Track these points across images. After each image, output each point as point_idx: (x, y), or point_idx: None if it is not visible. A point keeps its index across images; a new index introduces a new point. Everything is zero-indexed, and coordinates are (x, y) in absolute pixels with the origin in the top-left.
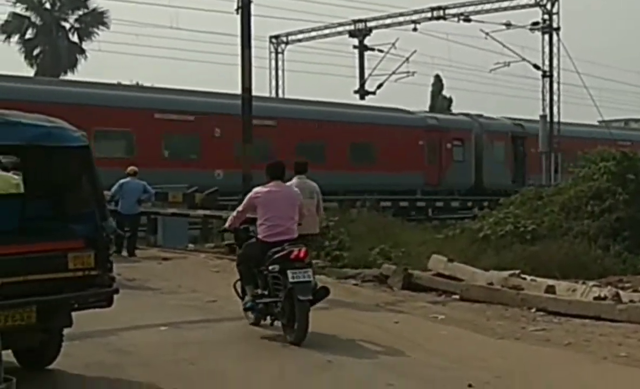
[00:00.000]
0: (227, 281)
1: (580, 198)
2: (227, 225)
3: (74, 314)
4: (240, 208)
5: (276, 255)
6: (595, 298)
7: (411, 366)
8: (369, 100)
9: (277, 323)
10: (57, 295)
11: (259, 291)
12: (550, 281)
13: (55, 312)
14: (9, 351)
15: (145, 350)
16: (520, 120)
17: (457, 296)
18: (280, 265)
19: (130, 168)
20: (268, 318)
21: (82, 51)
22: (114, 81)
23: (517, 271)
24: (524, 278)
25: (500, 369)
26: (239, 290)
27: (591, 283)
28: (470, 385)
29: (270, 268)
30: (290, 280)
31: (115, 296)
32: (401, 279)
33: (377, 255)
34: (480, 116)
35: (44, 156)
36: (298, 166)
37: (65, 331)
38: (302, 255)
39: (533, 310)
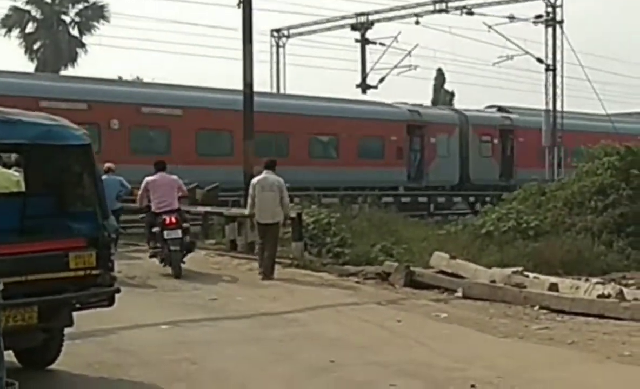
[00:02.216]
0: (229, 279)
1: (583, 193)
2: (138, 205)
3: (74, 313)
4: (139, 192)
5: (158, 220)
6: (598, 296)
7: (414, 366)
8: (371, 95)
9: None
10: (59, 294)
11: (153, 244)
12: (553, 279)
13: (57, 312)
14: (10, 352)
15: (146, 349)
16: None
17: (459, 294)
18: (161, 227)
19: (107, 166)
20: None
21: (83, 45)
22: (115, 76)
23: (519, 269)
24: (527, 276)
25: (503, 368)
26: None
27: (594, 280)
28: (473, 385)
29: (153, 229)
30: (165, 236)
31: (117, 295)
32: (403, 276)
33: (379, 251)
34: None
35: (45, 154)
36: (267, 163)
37: (66, 330)
38: (173, 220)
39: (536, 308)
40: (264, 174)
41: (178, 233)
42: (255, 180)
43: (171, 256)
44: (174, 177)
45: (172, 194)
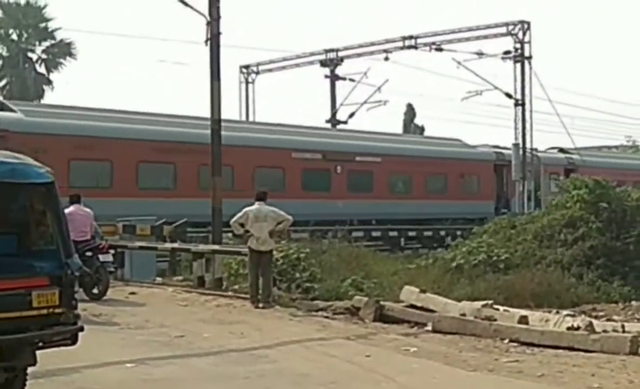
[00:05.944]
0: (196, 316)
1: (553, 226)
2: None
3: (38, 352)
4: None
5: (89, 246)
6: (568, 328)
7: None
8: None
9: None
10: (21, 333)
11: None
12: (523, 312)
13: (19, 351)
14: None
15: (110, 388)
16: None
17: (429, 328)
18: (94, 252)
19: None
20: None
21: (50, 82)
22: None
23: (489, 302)
24: (497, 309)
25: None
26: None
27: (564, 312)
28: None
29: (87, 254)
30: (102, 259)
31: (81, 333)
32: (373, 311)
33: (349, 286)
34: None
35: (7, 192)
36: (258, 194)
37: (30, 369)
38: (106, 247)
39: (506, 341)
40: (257, 205)
41: (110, 257)
42: (248, 209)
43: (104, 276)
44: (90, 211)
45: (86, 225)
